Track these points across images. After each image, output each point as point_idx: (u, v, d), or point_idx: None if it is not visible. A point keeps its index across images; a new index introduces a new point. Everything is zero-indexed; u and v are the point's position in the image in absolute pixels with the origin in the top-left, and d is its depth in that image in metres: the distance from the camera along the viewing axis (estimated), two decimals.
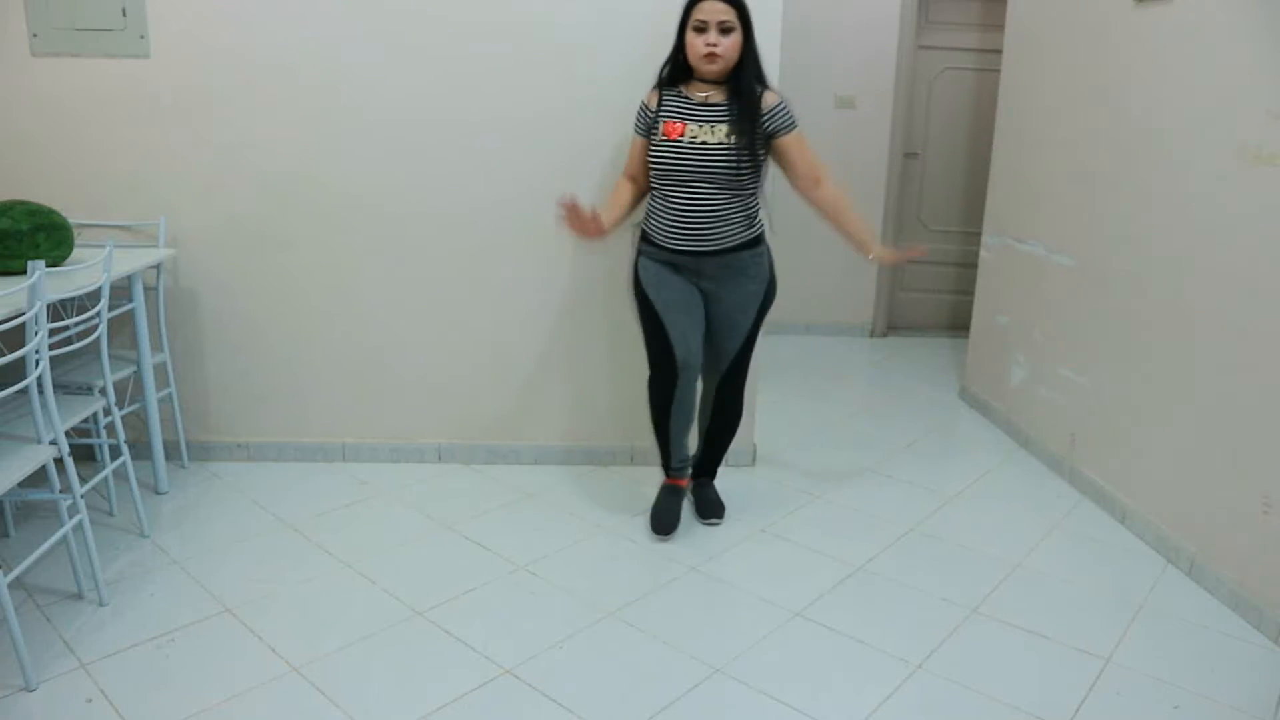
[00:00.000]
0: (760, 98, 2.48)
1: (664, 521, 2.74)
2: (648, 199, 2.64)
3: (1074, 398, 3.22)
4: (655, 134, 2.51)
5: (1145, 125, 2.82)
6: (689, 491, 2.93)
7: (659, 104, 2.54)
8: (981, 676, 2.10)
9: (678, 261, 2.57)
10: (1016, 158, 3.74)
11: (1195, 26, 2.59)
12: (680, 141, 2.46)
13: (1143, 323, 2.82)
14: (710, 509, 2.85)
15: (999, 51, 3.99)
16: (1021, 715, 1.97)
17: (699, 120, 2.47)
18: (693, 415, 2.75)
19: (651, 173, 2.55)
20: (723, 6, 2.40)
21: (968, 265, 5.00)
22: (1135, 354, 2.86)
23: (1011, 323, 3.73)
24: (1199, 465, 2.56)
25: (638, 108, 2.61)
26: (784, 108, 2.51)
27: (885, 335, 5.33)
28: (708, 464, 2.91)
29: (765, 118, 2.48)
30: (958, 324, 5.24)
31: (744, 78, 2.46)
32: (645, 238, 2.63)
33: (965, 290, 4.87)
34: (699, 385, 2.71)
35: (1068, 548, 2.75)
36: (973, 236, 4.93)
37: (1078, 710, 1.99)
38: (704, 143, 2.45)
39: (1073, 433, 3.22)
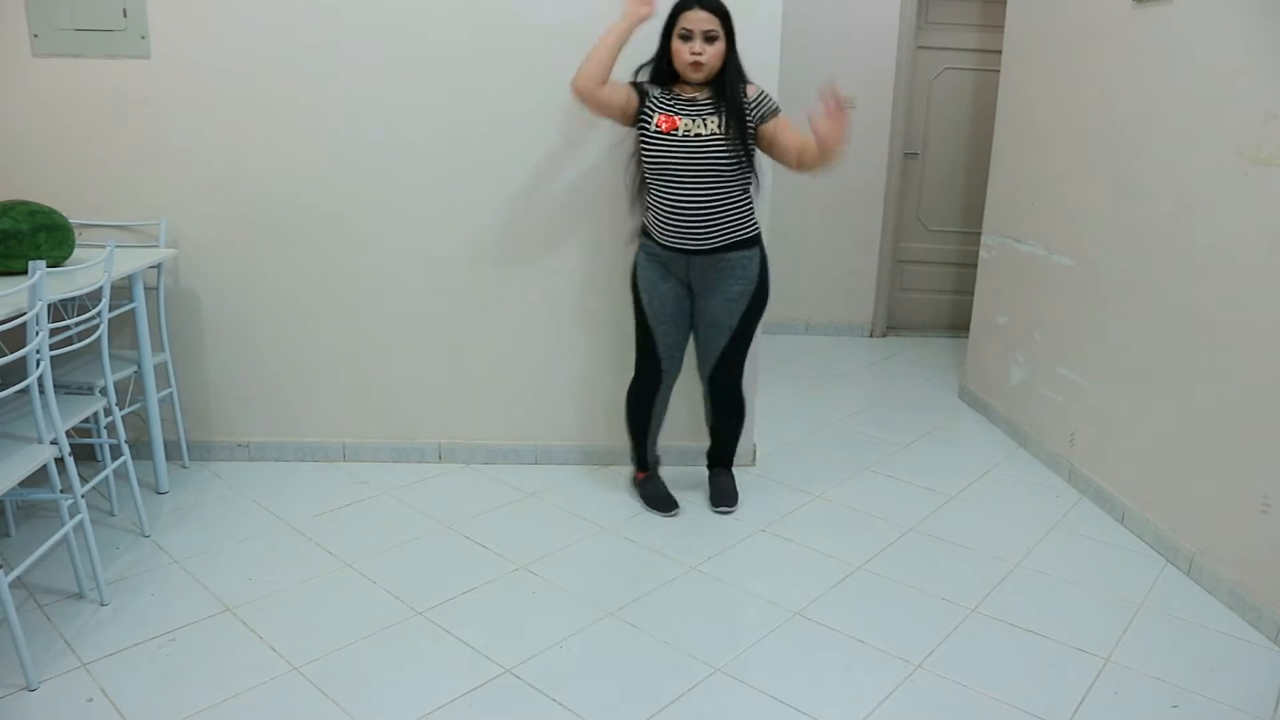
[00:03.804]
0: (743, 91, 2.58)
1: (663, 499, 2.86)
2: (645, 195, 2.69)
3: (1074, 398, 3.22)
4: (648, 127, 2.56)
5: (1145, 125, 2.82)
6: (709, 479, 3.00)
7: (653, 96, 2.60)
8: (981, 676, 2.10)
9: (668, 259, 2.65)
10: (1016, 158, 3.74)
11: (1195, 26, 2.59)
12: (675, 135, 2.53)
13: (1142, 322, 2.82)
14: (722, 497, 2.92)
15: (999, 51, 3.99)
16: (1021, 715, 1.97)
17: (690, 115, 2.54)
18: (664, 416, 2.89)
19: (646, 167, 2.61)
20: (707, 16, 2.49)
21: (968, 265, 5.00)
22: (1135, 354, 2.86)
23: (1011, 323, 3.73)
24: (1199, 465, 2.56)
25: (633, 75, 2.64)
26: (766, 95, 2.62)
27: (885, 335, 5.33)
28: (718, 455, 2.99)
29: (751, 106, 2.58)
30: (958, 324, 5.24)
31: (727, 80, 2.55)
32: (644, 231, 2.71)
33: (965, 290, 4.87)
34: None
35: (1068, 548, 2.75)
36: (973, 236, 4.93)
37: (1077, 710, 1.99)
38: (697, 135, 2.53)
39: (1072, 432, 3.22)
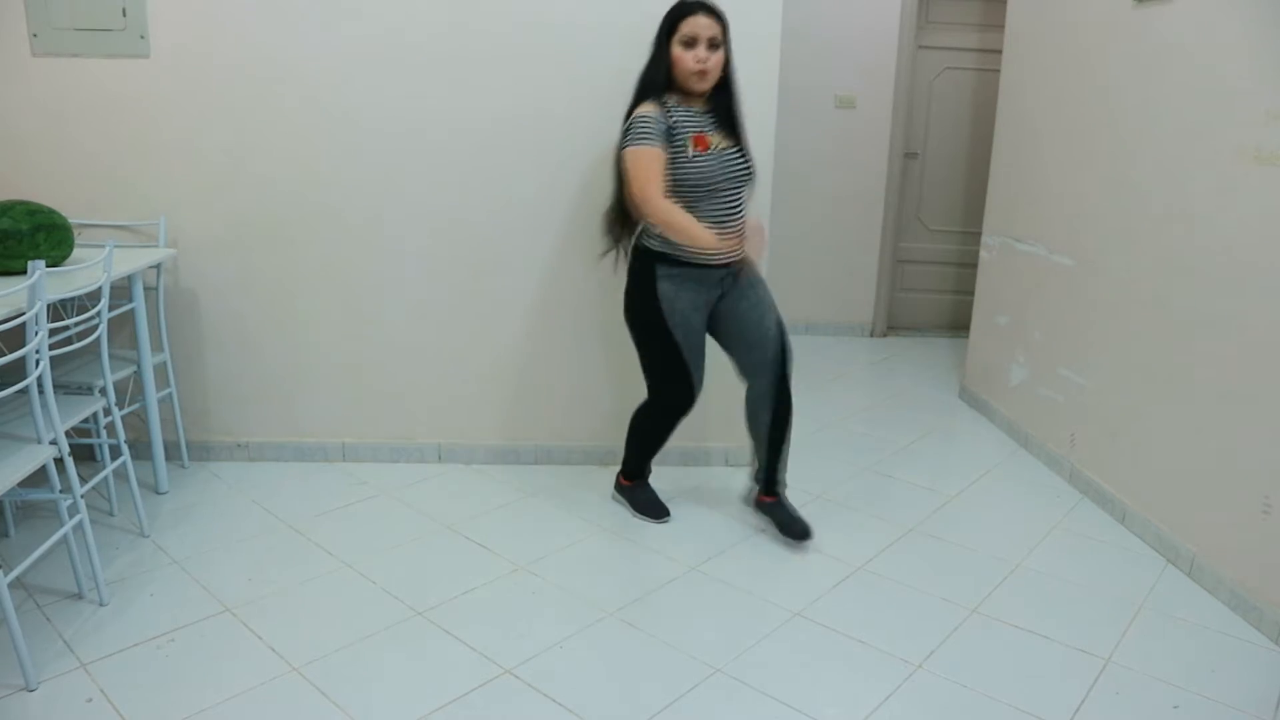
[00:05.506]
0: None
1: (657, 506, 2.86)
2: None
3: (1074, 398, 3.22)
4: (684, 152, 2.44)
5: (1145, 125, 2.82)
6: (769, 511, 2.79)
7: (669, 117, 2.45)
8: (981, 676, 2.10)
9: (714, 276, 2.55)
10: (1016, 158, 3.74)
11: (1195, 26, 2.59)
12: (712, 152, 2.47)
13: (1142, 323, 2.82)
14: (801, 528, 2.70)
15: (999, 51, 4.00)
16: (1021, 715, 1.97)
17: (709, 129, 2.51)
18: None
19: (687, 188, 2.46)
20: (710, 22, 2.41)
21: (968, 265, 5.00)
22: (1135, 354, 2.86)
23: (1011, 323, 3.73)
24: (1199, 465, 2.56)
25: (636, 120, 2.44)
26: None
27: (885, 335, 5.33)
28: (782, 469, 2.79)
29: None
30: (958, 324, 5.24)
31: (730, 88, 2.53)
32: (670, 259, 2.52)
33: (965, 290, 4.88)
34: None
35: (1068, 548, 2.75)
36: (973, 236, 4.94)
37: (1078, 710, 1.99)
38: (724, 149, 2.51)
39: (1072, 432, 3.22)
